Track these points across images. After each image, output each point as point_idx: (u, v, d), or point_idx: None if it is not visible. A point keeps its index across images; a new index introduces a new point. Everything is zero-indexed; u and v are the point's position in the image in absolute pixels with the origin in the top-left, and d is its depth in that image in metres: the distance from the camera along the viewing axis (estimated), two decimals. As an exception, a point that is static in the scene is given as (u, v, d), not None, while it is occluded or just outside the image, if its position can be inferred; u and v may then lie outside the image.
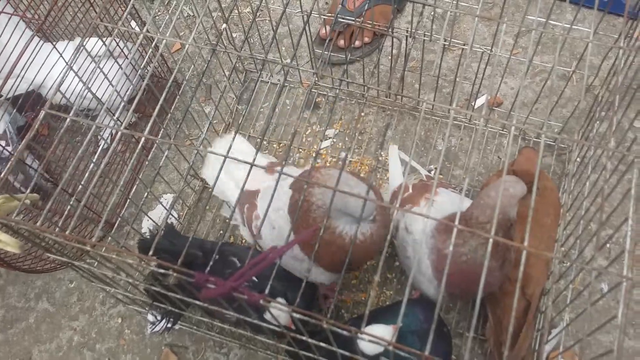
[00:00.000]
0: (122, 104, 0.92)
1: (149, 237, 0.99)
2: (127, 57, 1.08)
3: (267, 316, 0.82)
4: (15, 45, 1.02)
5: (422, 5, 0.78)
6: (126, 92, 1.12)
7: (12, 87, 1.06)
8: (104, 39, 0.92)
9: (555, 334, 1.01)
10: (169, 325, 0.97)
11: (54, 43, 1.03)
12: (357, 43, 1.33)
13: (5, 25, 1.00)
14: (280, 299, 0.86)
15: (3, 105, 1.14)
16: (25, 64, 1.00)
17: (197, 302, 0.70)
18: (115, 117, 0.92)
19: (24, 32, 1.07)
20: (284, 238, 0.70)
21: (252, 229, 0.92)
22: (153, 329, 1.12)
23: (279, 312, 0.70)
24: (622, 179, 0.89)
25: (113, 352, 1.14)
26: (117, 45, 1.08)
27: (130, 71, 1.18)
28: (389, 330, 0.76)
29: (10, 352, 1.16)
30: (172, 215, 1.19)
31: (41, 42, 1.08)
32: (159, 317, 0.99)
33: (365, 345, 0.75)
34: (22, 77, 1.04)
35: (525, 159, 1.02)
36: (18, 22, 1.06)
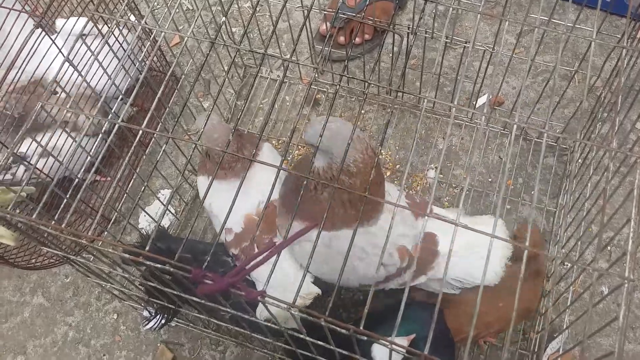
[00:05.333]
0: (120, 96, 0.91)
1: (137, 243, 0.97)
2: (125, 51, 1.06)
3: (262, 316, 0.81)
4: (17, 36, 1.01)
5: (424, 1, 0.77)
6: (125, 84, 1.11)
7: (13, 79, 1.05)
8: (101, 28, 0.91)
9: (557, 336, 1.01)
10: (164, 321, 0.96)
11: (54, 37, 1.02)
12: (358, 40, 1.32)
13: (7, 16, 0.99)
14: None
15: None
16: (26, 57, 0.99)
17: (194, 298, 0.69)
18: (112, 111, 0.90)
19: (26, 22, 1.06)
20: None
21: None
22: (148, 325, 1.10)
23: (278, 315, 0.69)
24: (624, 181, 0.89)
25: (108, 348, 1.13)
26: (117, 39, 1.07)
27: (129, 65, 1.16)
28: (404, 342, 0.73)
29: (4, 347, 1.15)
30: (170, 211, 1.18)
31: (42, 34, 1.06)
32: (154, 314, 0.98)
33: (380, 354, 0.73)
34: (23, 70, 1.03)
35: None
36: (19, 14, 1.05)
